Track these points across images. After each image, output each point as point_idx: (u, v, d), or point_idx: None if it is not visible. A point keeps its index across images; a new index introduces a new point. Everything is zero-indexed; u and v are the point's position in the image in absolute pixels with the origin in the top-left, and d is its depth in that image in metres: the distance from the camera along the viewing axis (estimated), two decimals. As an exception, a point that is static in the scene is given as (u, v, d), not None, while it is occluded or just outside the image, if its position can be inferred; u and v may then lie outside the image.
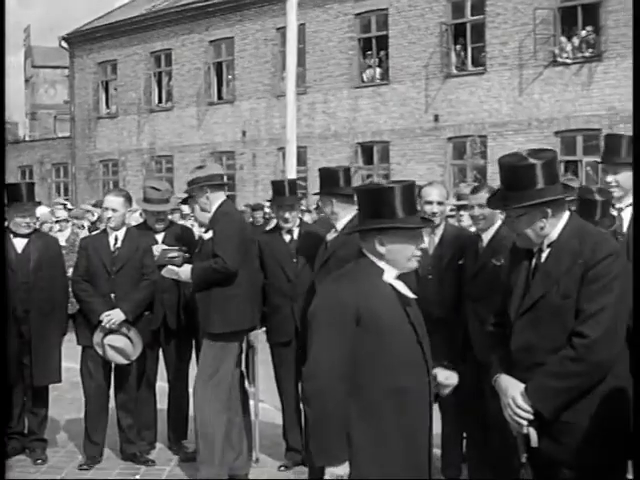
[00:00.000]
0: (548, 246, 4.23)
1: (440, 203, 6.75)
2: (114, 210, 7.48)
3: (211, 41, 31.67)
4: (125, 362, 7.42)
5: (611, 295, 3.98)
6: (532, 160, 4.19)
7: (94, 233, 9.38)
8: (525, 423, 4.09)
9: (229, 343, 6.92)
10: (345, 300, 3.95)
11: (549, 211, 4.17)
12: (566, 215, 4.27)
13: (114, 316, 7.31)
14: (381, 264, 4.11)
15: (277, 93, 27.95)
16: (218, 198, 7.03)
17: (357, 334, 3.92)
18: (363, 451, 3.94)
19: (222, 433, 6.90)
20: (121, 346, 7.32)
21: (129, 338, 7.36)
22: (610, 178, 6.20)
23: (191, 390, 7.26)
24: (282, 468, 7.49)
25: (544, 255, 4.24)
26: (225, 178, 7.53)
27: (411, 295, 4.18)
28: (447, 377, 4.38)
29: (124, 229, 7.62)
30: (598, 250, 4.10)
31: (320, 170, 7.30)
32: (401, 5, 26.05)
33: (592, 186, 6.80)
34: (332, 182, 6.99)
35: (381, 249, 4.07)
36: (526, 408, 4.08)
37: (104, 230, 7.75)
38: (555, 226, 4.21)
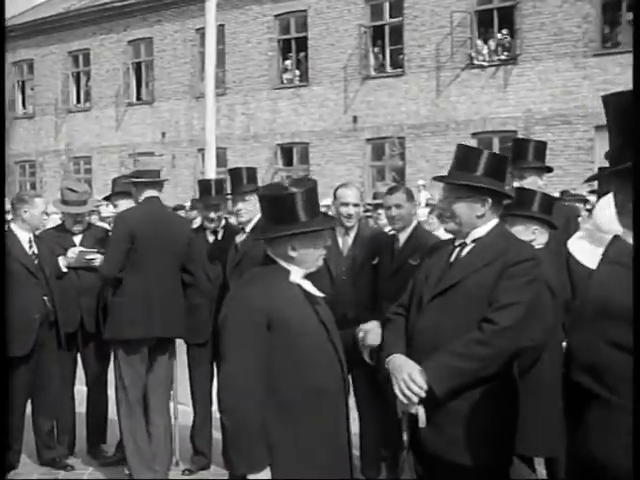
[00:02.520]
0: (473, 242, 4.32)
1: (356, 205, 6.78)
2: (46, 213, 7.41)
3: (130, 41, 31.42)
4: None
5: (526, 294, 4.09)
6: (485, 150, 4.36)
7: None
8: (416, 400, 4.07)
9: (127, 351, 6.88)
10: (254, 305, 3.94)
11: (489, 200, 4.27)
12: (497, 219, 4.38)
13: None
14: (288, 266, 4.12)
15: (196, 94, 27.88)
16: (142, 196, 7.08)
17: (269, 337, 3.92)
18: (283, 454, 3.93)
19: (132, 437, 6.90)
20: None
21: None
22: (516, 183, 6.32)
23: (110, 393, 7.23)
24: (186, 472, 7.41)
25: (467, 249, 4.33)
26: (160, 174, 7.44)
27: (319, 294, 4.19)
28: (368, 327, 4.39)
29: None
30: (522, 251, 4.23)
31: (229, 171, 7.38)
32: (320, 7, 26.17)
33: None
34: (238, 182, 7.05)
35: (293, 253, 4.09)
36: (421, 384, 4.05)
37: (8, 230, 7.54)
38: (486, 223, 4.31)
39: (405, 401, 4.12)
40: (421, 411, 4.09)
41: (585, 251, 3.87)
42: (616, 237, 2.60)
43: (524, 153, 6.61)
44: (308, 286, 4.16)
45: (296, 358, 3.97)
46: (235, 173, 7.18)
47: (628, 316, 2.34)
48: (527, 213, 5.56)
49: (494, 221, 4.35)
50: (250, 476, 3.88)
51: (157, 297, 6.92)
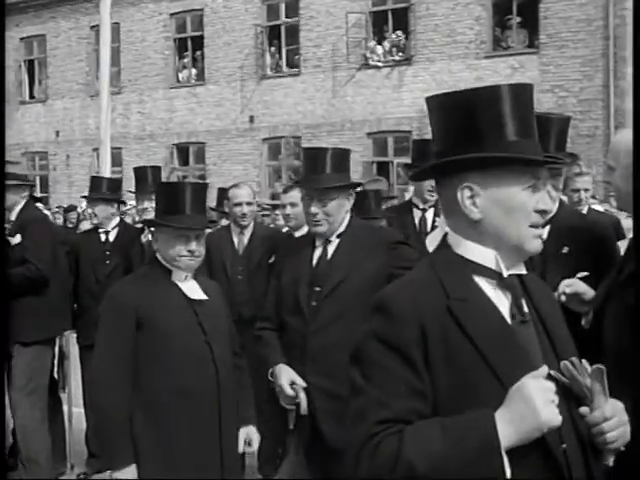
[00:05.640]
0: (337, 237, 4.40)
1: (249, 203, 6.84)
2: None
3: (22, 38, 30.80)
4: None
5: None
6: (329, 148, 4.53)
7: None
8: (292, 408, 4.21)
9: (43, 350, 6.75)
10: (124, 303, 3.99)
11: (353, 194, 4.43)
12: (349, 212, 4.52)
13: None
14: (167, 265, 4.15)
15: (91, 92, 27.49)
16: (19, 200, 6.76)
17: (138, 336, 3.95)
18: (148, 453, 3.95)
19: (47, 442, 6.74)
20: None
21: None
22: (427, 182, 6.49)
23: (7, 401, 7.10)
24: (82, 476, 7.32)
25: (333, 246, 4.40)
26: (37, 179, 7.39)
27: (200, 296, 4.20)
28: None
29: None
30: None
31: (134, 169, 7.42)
32: (216, 6, 26.10)
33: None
34: (143, 181, 7.13)
35: (155, 245, 4.16)
36: (290, 393, 4.19)
37: None
38: (346, 217, 4.44)
39: (287, 408, 4.26)
40: (303, 400, 4.18)
41: (434, 244, 4.02)
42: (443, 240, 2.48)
43: (426, 154, 6.75)
44: (187, 288, 4.18)
45: (163, 359, 3.99)
46: (140, 172, 7.23)
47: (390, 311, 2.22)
48: (367, 216, 5.81)
49: (349, 214, 4.47)
50: (114, 474, 3.89)
51: (66, 294, 7.11)
